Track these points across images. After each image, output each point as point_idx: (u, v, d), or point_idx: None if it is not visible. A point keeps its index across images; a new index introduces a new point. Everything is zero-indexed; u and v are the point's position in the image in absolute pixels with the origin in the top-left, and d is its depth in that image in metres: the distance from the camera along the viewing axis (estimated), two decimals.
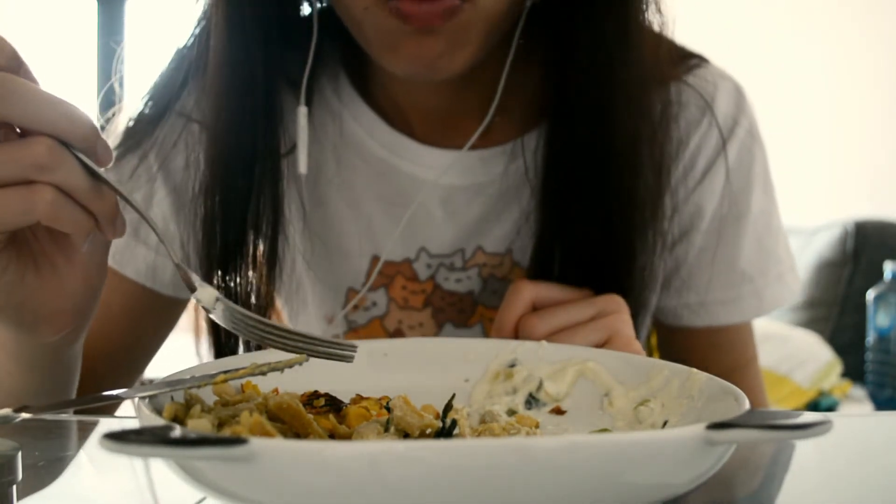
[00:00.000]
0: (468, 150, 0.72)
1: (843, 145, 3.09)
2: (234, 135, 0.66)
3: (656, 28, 0.67)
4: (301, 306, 0.79)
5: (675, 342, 0.80)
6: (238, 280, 0.68)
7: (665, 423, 0.48)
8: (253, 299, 0.69)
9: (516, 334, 0.61)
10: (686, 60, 0.75)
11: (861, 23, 3.06)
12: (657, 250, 0.70)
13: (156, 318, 0.77)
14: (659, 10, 0.66)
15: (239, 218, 0.68)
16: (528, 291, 0.61)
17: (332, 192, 0.75)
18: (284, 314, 0.81)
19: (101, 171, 0.46)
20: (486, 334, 0.76)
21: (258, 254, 0.69)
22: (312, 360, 0.47)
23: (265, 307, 0.69)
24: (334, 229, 0.75)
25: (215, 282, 0.68)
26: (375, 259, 0.75)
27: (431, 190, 0.73)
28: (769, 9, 2.98)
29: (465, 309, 0.75)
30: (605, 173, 0.66)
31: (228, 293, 0.68)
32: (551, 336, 0.59)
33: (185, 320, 0.80)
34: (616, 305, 0.61)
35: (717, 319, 0.77)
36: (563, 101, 0.67)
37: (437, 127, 0.73)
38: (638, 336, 0.65)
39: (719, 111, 0.74)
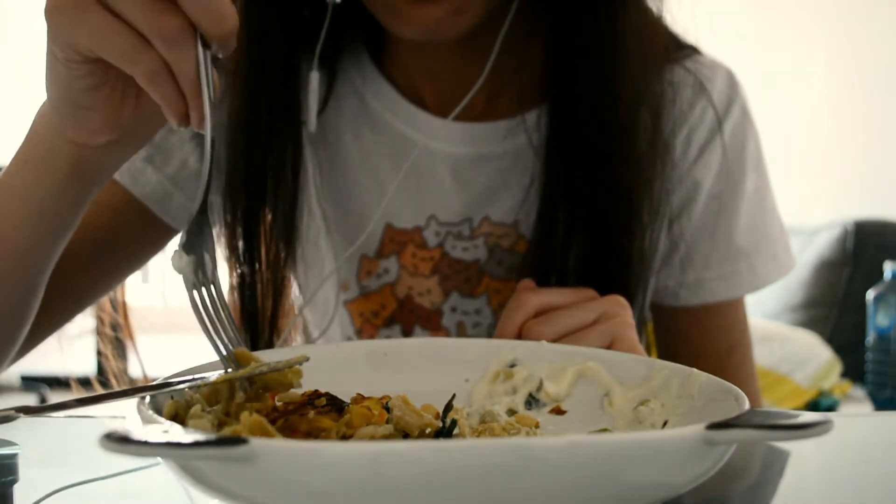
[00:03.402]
0: (478, 122, 0.75)
1: (843, 145, 3.09)
2: (251, 93, 0.71)
3: (655, 12, 0.71)
4: (318, 272, 0.80)
5: (672, 325, 0.82)
6: (260, 238, 0.72)
7: (665, 423, 0.48)
8: (272, 258, 0.73)
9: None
10: (681, 49, 0.78)
11: (861, 23, 3.06)
12: (657, 223, 0.73)
13: (141, 239, 0.78)
14: None
15: (258, 175, 0.71)
16: (532, 303, 0.61)
17: (351, 162, 0.78)
18: (301, 278, 0.82)
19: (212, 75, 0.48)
20: (491, 305, 0.77)
21: (278, 214, 0.73)
22: (313, 360, 0.47)
23: (284, 266, 0.73)
24: (352, 198, 0.78)
25: (239, 239, 0.72)
26: (389, 227, 0.78)
27: (442, 159, 0.76)
28: (769, 9, 2.98)
29: (471, 278, 0.77)
30: (607, 148, 0.69)
31: (250, 251, 0.72)
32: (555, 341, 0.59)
33: (194, 320, 0.80)
34: (618, 308, 0.62)
35: (714, 295, 0.79)
36: (567, 76, 0.71)
37: (449, 99, 0.75)
38: (637, 320, 0.66)
39: (714, 92, 0.77)
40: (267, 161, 0.72)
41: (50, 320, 0.73)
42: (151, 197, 0.75)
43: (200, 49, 0.46)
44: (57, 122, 0.54)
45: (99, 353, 0.82)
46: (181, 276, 0.46)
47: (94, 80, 0.50)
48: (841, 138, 3.08)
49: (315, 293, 0.79)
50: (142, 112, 0.54)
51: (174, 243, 0.81)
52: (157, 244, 0.79)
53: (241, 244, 0.73)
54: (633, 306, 0.72)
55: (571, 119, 0.70)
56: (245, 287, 0.73)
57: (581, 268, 0.70)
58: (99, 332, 0.82)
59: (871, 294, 2.25)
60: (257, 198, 0.73)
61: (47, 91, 0.53)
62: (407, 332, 0.78)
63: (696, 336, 0.81)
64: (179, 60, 0.46)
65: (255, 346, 0.74)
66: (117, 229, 0.75)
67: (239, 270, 0.73)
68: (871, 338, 2.26)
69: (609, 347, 0.59)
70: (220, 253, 0.74)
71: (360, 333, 0.79)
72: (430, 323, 0.78)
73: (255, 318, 0.74)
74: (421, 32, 0.66)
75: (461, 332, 0.78)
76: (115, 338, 0.82)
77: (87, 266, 0.74)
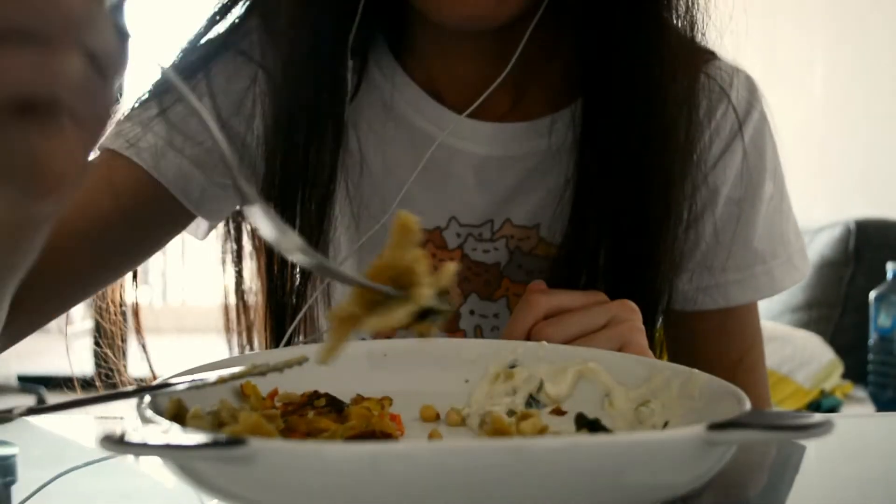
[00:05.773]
0: (504, 123, 0.75)
1: (845, 145, 3.09)
2: (303, 82, 0.70)
3: (682, 15, 0.71)
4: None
5: (686, 330, 0.81)
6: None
7: (666, 424, 0.47)
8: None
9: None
10: (702, 53, 0.78)
11: (863, 22, 3.06)
12: (682, 226, 0.73)
13: (159, 223, 0.77)
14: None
15: (298, 156, 0.71)
16: (542, 305, 0.61)
17: (374, 158, 0.77)
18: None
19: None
20: (510, 309, 0.77)
21: (313, 201, 0.73)
22: (312, 360, 0.47)
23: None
24: (372, 195, 0.77)
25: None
26: None
27: (465, 160, 0.75)
28: (770, 7, 2.97)
29: (490, 281, 0.77)
30: (641, 149, 0.69)
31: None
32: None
33: (207, 321, 0.81)
34: (628, 312, 0.62)
35: (730, 299, 0.78)
36: (597, 79, 0.71)
37: (471, 99, 0.75)
38: (654, 325, 0.66)
39: (735, 97, 0.77)
40: (308, 143, 0.72)
41: (61, 302, 0.73)
42: (173, 181, 0.74)
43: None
44: None
45: (97, 353, 0.82)
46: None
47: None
48: (843, 138, 3.08)
49: (325, 286, 0.78)
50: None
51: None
52: (175, 229, 0.79)
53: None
54: (657, 309, 0.72)
55: (606, 119, 0.70)
56: (273, 267, 0.73)
57: (609, 270, 0.70)
58: (99, 333, 0.82)
59: (873, 294, 2.24)
60: (295, 179, 0.72)
61: None
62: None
63: (710, 340, 0.80)
64: (99, 42, 0.34)
65: (281, 334, 0.74)
66: (135, 213, 0.74)
67: (268, 252, 0.73)
68: (872, 338, 2.26)
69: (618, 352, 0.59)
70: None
71: (376, 334, 0.79)
72: (448, 324, 0.78)
73: (282, 306, 0.74)
74: (462, 20, 0.65)
75: (479, 335, 0.77)
76: (116, 338, 0.81)
77: (101, 250, 0.73)
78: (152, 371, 0.81)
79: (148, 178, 0.73)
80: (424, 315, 0.40)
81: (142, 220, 0.75)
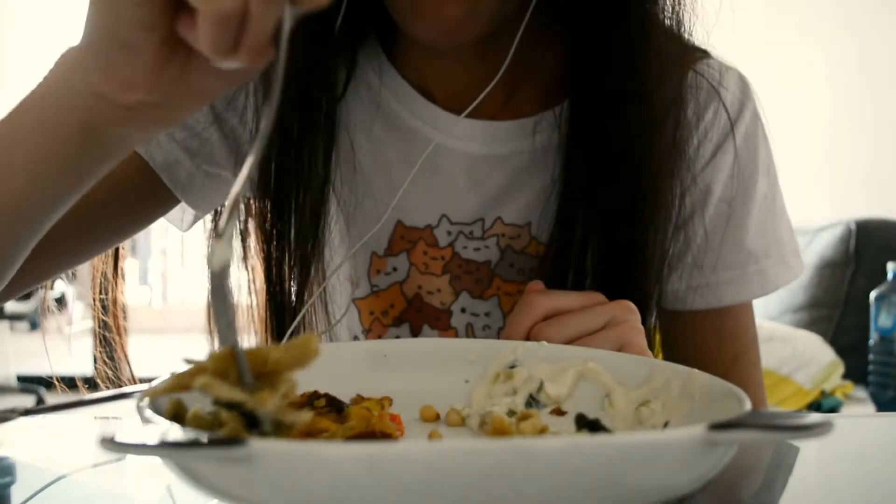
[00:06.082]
0: (495, 122, 0.75)
1: (846, 145, 3.09)
2: (296, 79, 0.70)
3: (669, 13, 0.71)
4: (328, 267, 0.80)
5: (679, 330, 0.81)
6: (286, 232, 0.73)
7: (666, 424, 0.47)
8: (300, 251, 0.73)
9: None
10: (693, 52, 0.78)
11: (865, 22, 3.06)
12: (672, 225, 0.73)
13: (143, 204, 0.78)
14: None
15: (294, 163, 0.71)
16: (541, 306, 0.61)
17: (365, 157, 0.78)
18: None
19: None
20: (502, 308, 0.77)
21: (308, 197, 0.73)
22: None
23: (311, 258, 0.73)
24: (364, 194, 0.78)
25: (269, 227, 0.73)
26: (399, 224, 0.77)
27: (456, 158, 0.75)
28: (771, 7, 2.98)
29: (481, 279, 0.77)
30: (629, 147, 0.69)
31: (279, 240, 0.73)
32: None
33: (198, 321, 0.81)
34: (627, 313, 0.61)
35: (723, 300, 0.78)
36: (587, 77, 0.70)
37: (462, 98, 0.75)
38: (645, 324, 0.66)
39: (726, 96, 0.77)
40: (301, 142, 0.72)
41: (34, 275, 0.73)
42: (161, 164, 0.74)
43: (288, 7, 0.40)
44: (85, 62, 0.47)
45: (96, 354, 0.82)
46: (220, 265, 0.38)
47: (150, 10, 0.43)
48: (844, 137, 3.08)
49: (323, 286, 0.79)
50: (186, 79, 0.46)
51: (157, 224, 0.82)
52: (157, 212, 0.79)
53: (271, 224, 0.73)
54: (649, 308, 0.72)
55: (595, 117, 0.70)
56: (272, 268, 0.73)
57: (598, 268, 0.70)
58: (96, 334, 0.82)
59: (873, 295, 2.24)
60: (289, 181, 0.72)
61: (86, 22, 0.46)
62: (415, 332, 0.78)
63: (704, 340, 0.80)
64: (264, 14, 0.40)
65: (281, 335, 0.74)
66: (122, 192, 0.74)
67: (267, 252, 0.73)
68: (873, 339, 2.26)
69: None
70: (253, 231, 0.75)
71: (369, 332, 0.79)
72: (439, 323, 0.78)
73: (281, 305, 0.74)
74: (436, 34, 0.65)
75: (470, 333, 0.77)
76: (111, 338, 0.81)
77: (82, 224, 0.73)
78: (130, 367, 0.81)
79: (138, 159, 0.74)
80: (250, 422, 0.37)
81: (129, 199, 0.76)
